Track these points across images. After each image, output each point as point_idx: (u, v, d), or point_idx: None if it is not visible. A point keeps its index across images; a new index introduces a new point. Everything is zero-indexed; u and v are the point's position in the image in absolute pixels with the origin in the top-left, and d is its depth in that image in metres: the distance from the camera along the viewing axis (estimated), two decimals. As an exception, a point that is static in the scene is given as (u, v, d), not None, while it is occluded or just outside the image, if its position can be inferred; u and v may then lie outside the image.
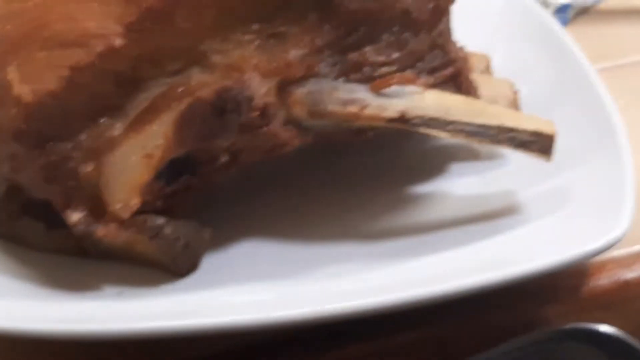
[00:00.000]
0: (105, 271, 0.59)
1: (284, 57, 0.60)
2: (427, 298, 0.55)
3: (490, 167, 0.67)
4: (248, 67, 0.60)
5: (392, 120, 0.60)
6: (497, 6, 0.80)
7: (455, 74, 0.64)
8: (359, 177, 0.66)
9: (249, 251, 0.61)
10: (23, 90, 0.56)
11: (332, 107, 0.60)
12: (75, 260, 0.60)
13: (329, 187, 0.65)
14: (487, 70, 0.73)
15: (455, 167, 0.67)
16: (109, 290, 0.58)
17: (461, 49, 0.67)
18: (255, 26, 0.61)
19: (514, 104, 0.68)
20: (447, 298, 0.55)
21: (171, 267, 0.59)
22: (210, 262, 0.60)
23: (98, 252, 0.59)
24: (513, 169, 0.66)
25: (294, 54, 0.61)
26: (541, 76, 0.72)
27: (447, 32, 0.64)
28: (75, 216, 0.56)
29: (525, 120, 0.61)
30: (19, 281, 0.58)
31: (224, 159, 0.60)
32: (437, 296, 0.55)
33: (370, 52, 0.62)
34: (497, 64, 0.73)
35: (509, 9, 0.80)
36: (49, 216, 0.59)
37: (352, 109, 0.60)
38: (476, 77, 0.67)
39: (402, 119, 0.60)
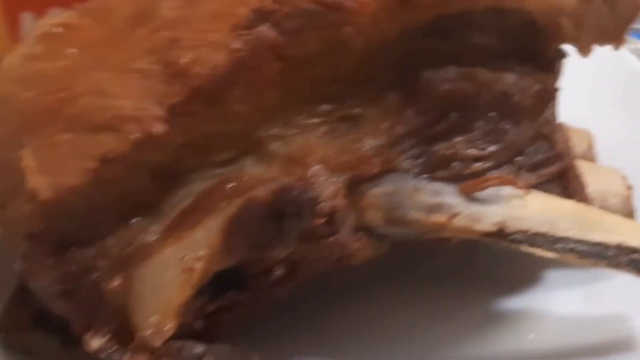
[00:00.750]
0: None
1: (357, 148, 0.50)
2: None
3: (593, 277, 0.56)
4: (313, 159, 0.49)
5: (486, 234, 0.49)
6: (600, 71, 0.68)
7: (562, 172, 0.52)
8: (438, 288, 0.55)
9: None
10: (40, 183, 0.46)
11: (414, 213, 0.49)
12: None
13: (403, 301, 0.55)
14: (590, 152, 0.62)
15: (551, 276, 0.56)
16: None
17: (561, 126, 0.56)
18: (324, 107, 0.50)
19: (628, 204, 0.56)
20: None
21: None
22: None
23: (124, 374, 0.49)
24: (621, 285, 0.54)
25: (370, 143, 0.50)
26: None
27: (553, 120, 0.53)
28: (96, 342, 0.46)
29: (649, 236, 0.50)
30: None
31: (280, 271, 0.49)
32: None
33: (461, 144, 0.51)
34: (600, 142, 0.62)
35: (613, 73, 0.68)
36: (66, 332, 0.49)
37: (439, 217, 0.49)
38: (579, 164, 0.56)
39: (500, 233, 0.49)
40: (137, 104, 0.47)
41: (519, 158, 0.52)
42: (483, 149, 0.51)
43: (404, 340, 0.53)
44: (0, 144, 0.50)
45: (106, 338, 0.46)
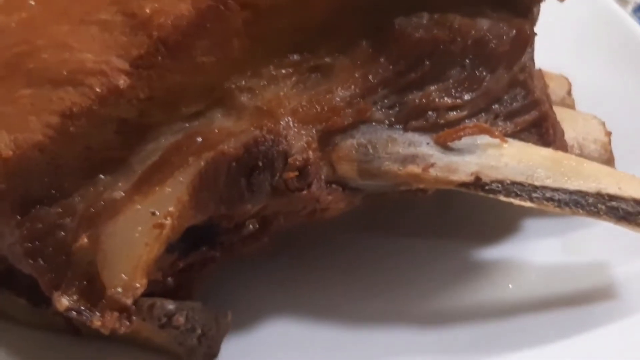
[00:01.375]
0: (102, 357, 0.49)
1: (328, 98, 0.48)
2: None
3: (572, 226, 0.55)
4: (284, 111, 0.47)
5: (463, 184, 0.48)
6: (577, 15, 0.66)
7: (539, 119, 0.51)
8: (412, 239, 0.54)
9: (277, 337, 0.50)
10: (2, 140, 0.45)
11: (388, 165, 0.48)
12: (65, 340, 0.49)
13: (374, 253, 0.54)
14: (568, 97, 0.61)
15: (530, 225, 0.55)
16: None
17: (539, 73, 0.54)
18: (293, 57, 0.48)
19: (607, 151, 0.55)
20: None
21: (188, 357, 0.48)
22: (231, 350, 0.49)
23: (93, 332, 0.48)
24: (600, 232, 0.53)
25: (341, 94, 0.48)
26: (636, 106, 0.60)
27: (530, 66, 0.52)
28: (65, 301, 0.45)
29: (628, 183, 0.49)
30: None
31: (251, 226, 0.48)
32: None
33: (435, 93, 0.49)
34: (579, 88, 0.61)
35: (591, 17, 0.67)
36: (34, 291, 0.47)
37: (414, 168, 0.48)
38: (557, 111, 0.55)
39: (476, 183, 0.47)
40: (100, 57, 0.45)
41: (495, 106, 0.51)
42: (458, 97, 0.50)
43: (381, 295, 0.52)
44: (-41, 100, 0.49)
45: (75, 296, 0.45)
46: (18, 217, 0.45)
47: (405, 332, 0.50)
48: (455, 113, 0.50)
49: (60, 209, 0.46)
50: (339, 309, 0.51)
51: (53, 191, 0.46)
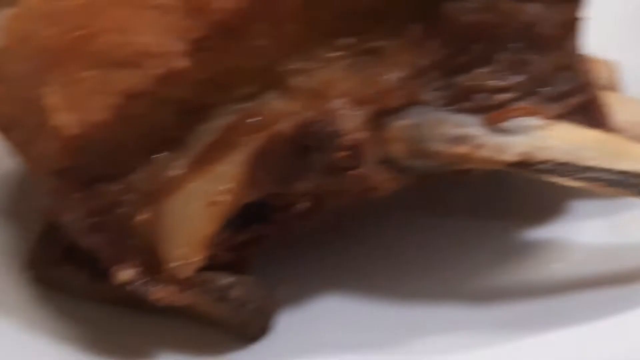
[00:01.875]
0: (160, 330, 0.50)
1: (379, 80, 0.49)
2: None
3: (618, 207, 0.55)
4: (335, 93, 0.49)
5: (511, 165, 0.49)
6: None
7: (587, 102, 0.52)
8: (461, 219, 0.55)
9: (332, 313, 0.51)
10: (66, 120, 0.46)
11: (438, 145, 0.49)
12: (127, 314, 0.51)
13: (423, 232, 0.55)
14: (613, 83, 0.62)
15: (577, 206, 0.56)
16: (169, 357, 0.49)
17: (586, 57, 0.55)
18: (346, 40, 0.50)
19: (655, 135, 0.56)
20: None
21: (239, 332, 0.50)
22: (285, 326, 0.50)
23: (152, 306, 0.49)
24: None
25: (392, 76, 0.50)
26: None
27: (577, 50, 0.53)
28: (125, 274, 0.47)
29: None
30: (57, 342, 0.49)
31: (303, 204, 0.50)
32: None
33: (485, 76, 0.50)
34: (627, 73, 0.61)
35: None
36: (95, 265, 0.49)
37: (462, 149, 0.49)
38: (605, 95, 0.56)
39: (525, 163, 0.48)
40: (160, 39, 0.47)
41: (543, 89, 0.52)
42: (506, 80, 0.51)
43: (426, 273, 0.53)
44: (24, 81, 0.50)
45: (135, 270, 0.47)
46: (81, 194, 0.47)
47: (454, 310, 0.51)
48: (504, 95, 0.51)
49: (121, 186, 0.48)
50: (389, 286, 0.52)
51: (114, 169, 0.48)
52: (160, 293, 0.47)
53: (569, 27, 0.52)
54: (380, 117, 0.49)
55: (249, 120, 0.48)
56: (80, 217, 0.47)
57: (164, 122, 0.48)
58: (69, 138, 0.46)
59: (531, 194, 0.56)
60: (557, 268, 0.52)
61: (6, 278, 0.52)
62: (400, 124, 0.49)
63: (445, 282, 0.52)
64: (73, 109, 0.47)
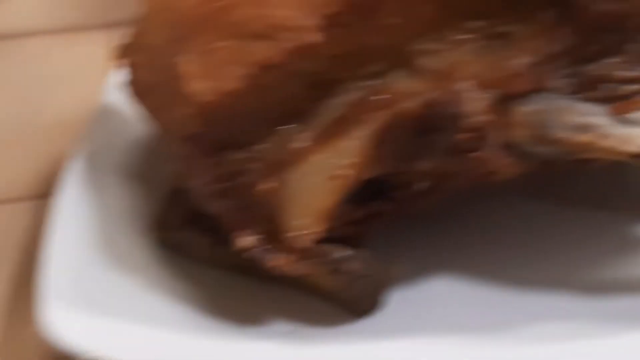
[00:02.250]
0: (276, 299, 0.52)
1: (508, 64, 0.50)
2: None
3: None
4: (462, 75, 0.49)
5: (635, 156, 0.48)
6: None
7: None
8: (579, 210, 0.55)
9: (441, 295, 0.52)
10: (201, 87, 0.48)
11: (562, 133, 0.49)
12: (242, 281, 0.53)
13: (539, 219, 0.55)
14: None
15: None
16: (280, 325, 0.50)
17: None
18: (476, 23, 0.50)
19: None
20: None
21: (350, 306, 0.51)
22: (395, 303, 0.51)
23: (268, 275, 0.51)
24: None
25: (520, 61, 0.50)
26: None
27: None
28: (246, 240, 0.48)
29: None
30: (175, 302, 0.51)
31: (424, 184, 0.50)
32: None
33: (613, 66, 0.50)
34: None
35: None
36: (216, 230, 0.51)
37: (586, 137, 0.49)
38: None
39: (649, 155, 0.48)
40: (295, 13, 0.49)
41: (672, 82, 0.51)
42: (635, 71, 0.50)
43: (537, 261, 0.53)
44: (161, 50, 0.52)
45: (256, 237, 0.48)
46: (210, 160, 0.49)
47: (561, 299, 0.51)
48: (631, 86, 0.50)
49: (248, 154, 0.49)
50: (497, 271, 0.53)
51: (243, 137, 0.49)
52: (277, 261, 0.48)
53: None
54: (505, 102, 0.50)
55: (375, 98, 0.49)
56: (208, 182, 0.49)
57: (294, 95, 0.49)
58: (202, 105, 0.48)
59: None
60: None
61: (132, 239, 0.54)
62: (525, 110, 0.49)
63: (556, 271, 0.52)
64: (208, 77, 0.49)
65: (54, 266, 0.52)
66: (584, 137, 0.49)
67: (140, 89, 0.53)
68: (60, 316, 0.48)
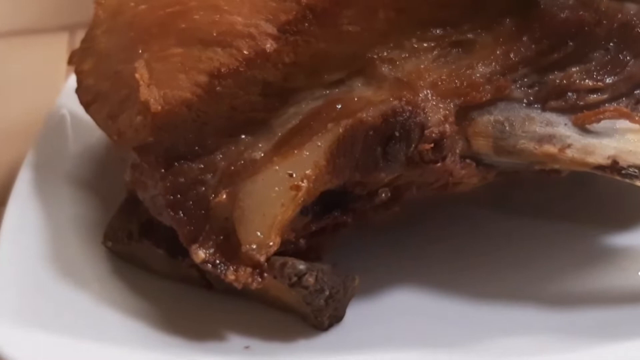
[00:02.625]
0: (231, 313, 0.50)
1: (468, 74, 0.49)
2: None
3: None
4: (423, 84, 0.48)
5: (599, 167, 0.47)
6: None
7: (682, 108, 0.51)
8: (542, 219, 0.54)
9: (404, 307, 0.50)
10: (152, 95, 0.47)
11: (524, 143, 0.48)
12: (199, 294, 0.51)
13: (502, 231, 0.54)
14: None
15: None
16: (235, 341, 0.48)
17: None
18: (436, 31, 0.49)
19: None
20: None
21: (311, 319, 0.49)
22: (356, 315, 0.50)
23: (224, 287, 0.49)
24: None
25: (482, 70, 0.49)
26: None
27: (676, 53, 0.51)
28: (201, 253, 0.47)
29: None
30: (128, 316, 0.50)
31: (384, 195, 0.49)
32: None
33: (577, 74, 0.49)
34: None
35: None
36: (172, 243, 0.50)
37: (549, 148, 0.48)
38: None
39: (613, 167, 0.47)
40: (249, 20, 0.47)
41: (636, 91, 0.50)
42: (600, 80, 0.49)
43: (505, 273, 0.52)
44: (114, 55, 0.51)
45: (212, 250, 0.47)
46: (162, 170, 0.48)
47: (526, 313, 0.50)
48: (595, 96, 0.49)
49: (202, 165, 0.48)
50: (461, 283, 0.51)
51: (196, 148, 0.48)
52: (235, 275, 0.47)
53: (669, 29, 0.50)
54: (466, 111, 0.48)
55: (334, 107, 0.48)
56: (161, 193, 0.48)
57: (249, 104, 0.47)
58: (154, 113, 0.46)
59: (617, 199, 0.55)
60: (638, 276, 0.51)
61: (85, 250, 0.53)
62: (487, 119, 0.48)
63: (519, 284, 0.51)
64: (160, 84, 0.47)
65: (-1, 279, 0.50)
66: (546, 148, 0.48)
67: (88, 96, 0.51)
68: (3, 332, 0.47)
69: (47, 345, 0.47)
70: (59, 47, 0.76)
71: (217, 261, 0.47)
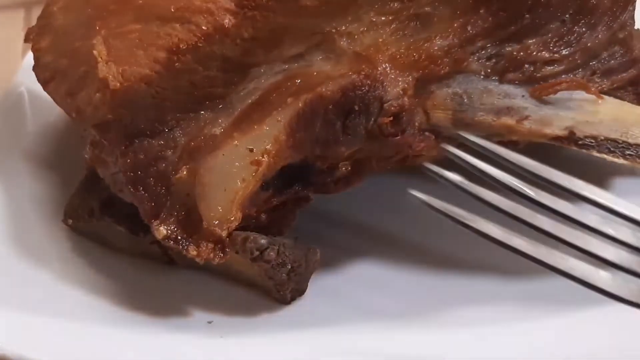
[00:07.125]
0: (194, 288, 0.50)
1: (426, 47, 0.49)
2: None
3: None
4: (382, 57, 0.48)
5: (556, 138, 0.48)
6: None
7: (637, 78, 0.51)
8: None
9: (364, 280, 0.51)
10: (111, 72, 0.46)
11: (482, 115, 0.48)
12: (161, 270, 0.51)
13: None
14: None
15: (621, 183, 0.55)
16: (197, 316, 0.49)
17: (638, 32, 0.54)
18: (394, 5, 0.49)
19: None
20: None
21: (274, 293, 0.49)
22: (318, 288, 0.50)
23: (187, 263, 0.50)
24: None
25: (440, 43, 0.49)
26: None
27: (631, 25, 0.52)
28: (163, 229, 0.47)
29: None
30: (91, 294, 0.50)
31: (344, 168, 0.49)
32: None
33: (534, 46, 0.50)
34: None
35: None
36: (133, 219, 0.49)
37: (508, 120, 0.48)
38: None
39: (570, 137, 0.48)
40: (207, -5, 0.47)
41: (592, 62, 0.51)
42: (556, 52, 0.50)
43: (465, 244, 0.52)
44: (71, 32, 0.50)
45: (173, 226, 0.47)
46: (122, 147, 0.47)
47: (488, 283, 0.51)
48: (552, 67, 0.50)
49: (162, 142, 0.48)
50: (423, 255, 0.52)
51: (156, 124, 0.47)
52: (197, 250, 0.47)
53: (623, 0, 0.51)
54: (425, 84, 0.49)
55: (293, 82, 0.48)
56: (121, 170, 0.47)
57: (209, 79, 0.47)
58: (112, 90, 0.46)
59: (576, 167, 0.55)
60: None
61: (45, 228, 0.53)
62: (445, 92, 0.49)
63: (476, 255, 0.51)
64: (118, 61, 0.47)
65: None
66: (504, 120, 0.49)
67: (46, 74, 0.50)
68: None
69: (8, 323, 0.47)
70: (15, 24, 0.75)
71: (179, 237, 0.47)
